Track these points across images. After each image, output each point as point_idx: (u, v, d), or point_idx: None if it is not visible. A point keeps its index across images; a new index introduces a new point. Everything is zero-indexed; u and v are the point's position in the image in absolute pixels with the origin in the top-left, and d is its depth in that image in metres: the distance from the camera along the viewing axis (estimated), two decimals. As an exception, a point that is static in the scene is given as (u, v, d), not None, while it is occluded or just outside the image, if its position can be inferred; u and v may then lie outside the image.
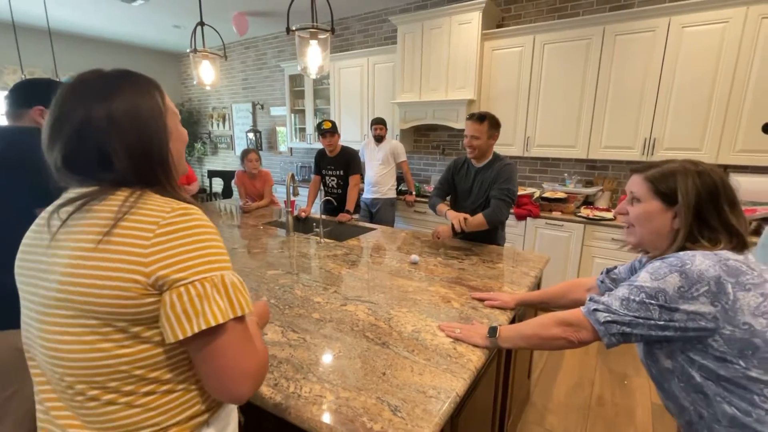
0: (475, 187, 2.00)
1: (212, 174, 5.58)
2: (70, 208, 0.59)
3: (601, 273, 1.19)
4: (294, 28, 1.57)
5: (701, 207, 0.82)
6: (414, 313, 1.29)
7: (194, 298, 0.56)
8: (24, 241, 0.65)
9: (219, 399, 0.65)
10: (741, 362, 0.74)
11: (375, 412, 0.83)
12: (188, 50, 2.25)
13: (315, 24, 1.58)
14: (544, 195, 3.24)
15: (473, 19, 3.27)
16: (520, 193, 3.30)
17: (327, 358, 1.03)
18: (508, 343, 1.05)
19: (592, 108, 3.00)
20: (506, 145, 3.45)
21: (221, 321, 0.57)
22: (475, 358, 1.03)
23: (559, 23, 3.02)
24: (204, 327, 0.56)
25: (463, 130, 3.86)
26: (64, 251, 0.58)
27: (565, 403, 2.10)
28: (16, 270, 0.65)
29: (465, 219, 1.85)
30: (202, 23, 2.20)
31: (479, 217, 1.86)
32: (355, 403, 0.86)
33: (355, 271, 1.71)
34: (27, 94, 1.17)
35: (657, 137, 2.80)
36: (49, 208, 0.62)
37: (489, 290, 1.48)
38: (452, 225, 1.81)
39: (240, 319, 0.61)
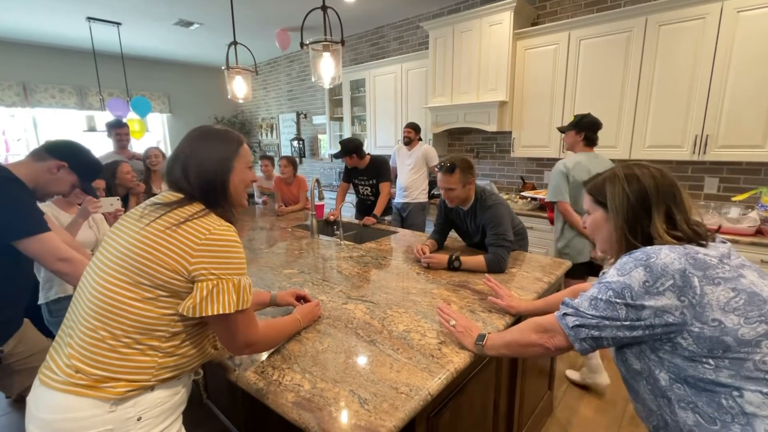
0: (470, 227, 1.96)
1: (259, 180, 5.96)
2: (162, 206, 0.86)
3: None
4: (307, 42, 1.68)
5: (632, 211, 0.81)
6: (410, 314, 1.32)
7: (221, 291, 0.81)
8: (126, 213, 0.92)
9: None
10: (710, 361, 0.69)
11: (344, 403, 0.87)
12: (223, 67, 2.45)
13: (327, 38, 1.67)
14: (582, 198, 3.06)
15: (504, 20, 3.21)
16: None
17: (314, 352, 1.09)
18: (492, 351, 1.03)
19: (633, 105, 2.80)
20: (541, 147, 3.33)
21: (229, 311, 0.82)
22: (458, 360, 1.04)
23: (595, 17, 2.87)
24: (218, 312, 0.81)
25: (495, 133, 3.85)
26: (142, 227, 0.83)
27: (593, 419, 1.97)
28: (108, 232, 0.91)
29: (457, 258, 1.76)
30: (235, 42, 2.40)
31: (480, 260, 1.74)
32: (329, 394, 0.90)
33: (365, 272, 1.76)
34: (56, 149, 1.39)
35: (710, 134, 2.55)
36: (147, 201, 0.91)
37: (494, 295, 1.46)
38: (450, 257, 1.75)
39: (242, 311, 0.85)
